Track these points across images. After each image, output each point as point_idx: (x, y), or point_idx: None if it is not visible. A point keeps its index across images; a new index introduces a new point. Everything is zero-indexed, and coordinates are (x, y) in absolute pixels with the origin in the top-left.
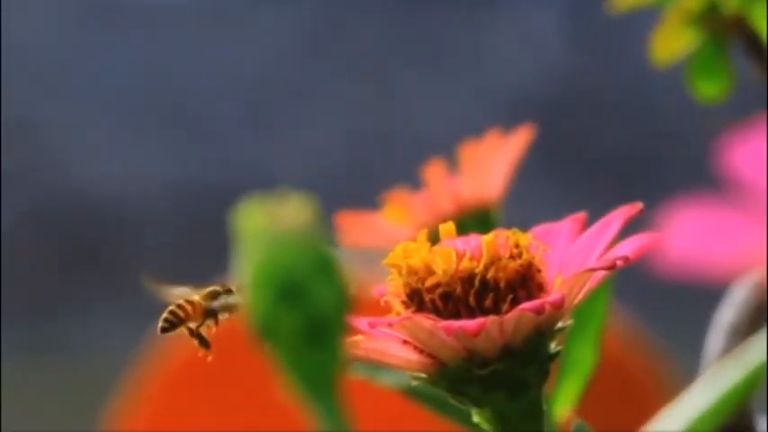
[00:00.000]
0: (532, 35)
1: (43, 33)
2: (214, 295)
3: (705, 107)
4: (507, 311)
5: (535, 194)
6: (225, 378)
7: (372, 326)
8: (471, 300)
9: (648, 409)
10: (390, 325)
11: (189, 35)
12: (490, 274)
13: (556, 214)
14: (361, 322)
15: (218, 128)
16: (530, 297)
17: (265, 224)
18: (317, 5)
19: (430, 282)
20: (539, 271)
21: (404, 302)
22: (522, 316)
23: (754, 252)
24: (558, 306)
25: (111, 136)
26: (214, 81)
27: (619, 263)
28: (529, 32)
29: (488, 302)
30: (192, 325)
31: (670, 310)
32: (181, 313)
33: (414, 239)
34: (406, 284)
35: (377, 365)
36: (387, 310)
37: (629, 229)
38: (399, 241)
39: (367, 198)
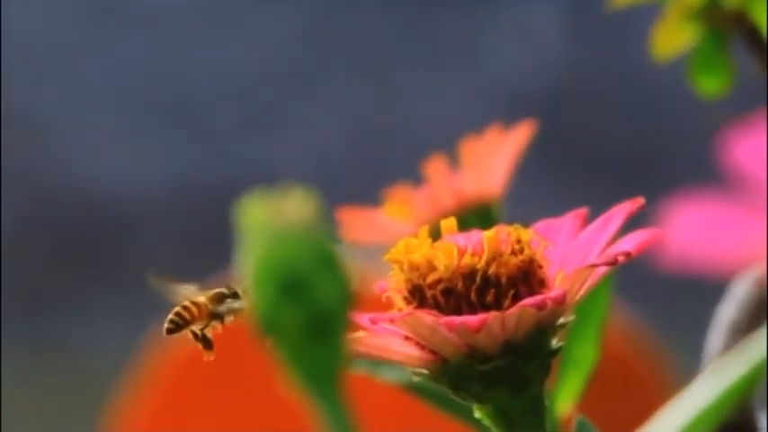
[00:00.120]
0: (532, 32)
1: (44, 32)
2: (220, 298)
3: (706, 103)
4: (509, 307)
5: (536, 190)
6: (225, 377)
7: (374, 322)
8: (473, 296)
9: (649, 405)
10: (392, 321)
11: (190, 34)
12: (492, 270)
13: (557, 210)
14: (362, 318)
15: (219, 126)
16: (531, 293)
17: (268, 219)
18: (316, 4)
19: (431, 278)
20: (540, 267)
21: (405, 298)
22: (524, 312)
23: (756, 247)
24: (560, 302)
25: (112, 135)
26: (215, 80)
27: (620, 259)
28: (529, 29)
29: (490, 298)
30: (197, 327)
31: (671, 306)
32: (186, 315)
33: (415, 235)
34: (408, 280)
35: (378, 361)
36: (388, 306)
37: (630, 225)
38: (401, 237)
39: (368, 194)
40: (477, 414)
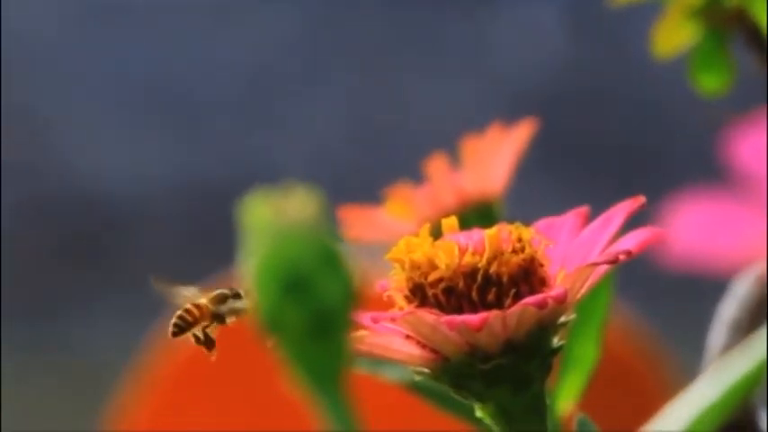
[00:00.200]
0: (533, 31)
1: (45, 31)
2: (222, 299)
3: (706, 101)
4: (510, 306)
5: (536, 189)
6: (226, 377)
7: (375, 321)
8: (474, 294)
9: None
10: (393, 320)
11: (190, 34)
12: (493, 269)
13: (557, 209)
14: (364, 317)
15: (219, 126)
16: (532, 292)
17: (271, 217)
18: (316, 4)
19: (433, 276)
20: (541, 265)
21: (407, 297)
22: (525, 311)
23: (757, 245)
24: (561, 301)
25: (112, 134)
26: (215, 79)
27: (621, 257)
28: (529, 29)
29: (491, 297)
30: (200, 329)
31: (672, 304)
32: (189, 318)
33: (416, 234)
34: (409, 279)
35: (380, 360)
36: (390, 304)
37: (631, 223)
38: (402, 236)
39: (369, 193)
40: (479, 413)
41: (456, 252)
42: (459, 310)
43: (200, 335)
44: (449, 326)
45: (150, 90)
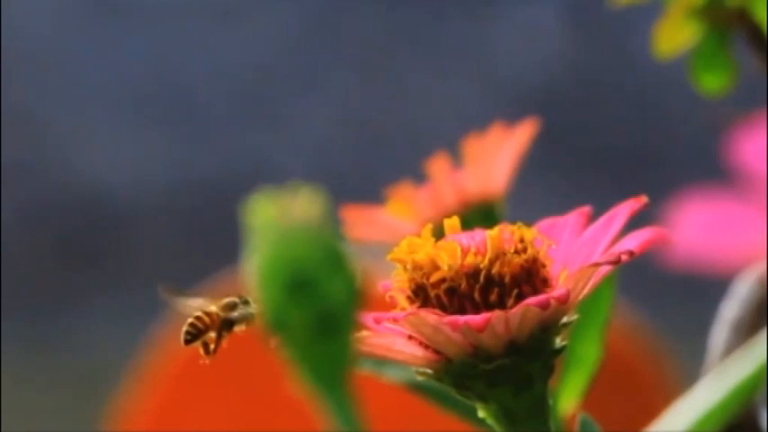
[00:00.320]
0: (533, 31)
1: (45, 30)
2: (231, 306)
3: (708, 101)
4: (512, 306)
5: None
6: (227, 377)
7: (377, 321)
8: (476, 295)
9: (652, 403)
10: (395, 320)
11: (190, 33)
12: (495, 269)
13: (559, 209)
14: (366, 318)
15: (220, 126)
16: (535, 292)
17: (275, 218)
18: (317, 3)
19: (435, 277)
20: (543, 266)
21: (409, 298)
22: (528, 311)
23: (760, 245)
24: (563, 301)
25: (113, 134)
26: (215, 79)
27: (624, 257)
28: (530, 28)
29: (493, 297)
30: (210, 337)
31: (674, 305)
32: (200, 325)
33: (418, 234)
34: (411, 280)
35: (382, 361)
36: (392, 305)
37: (633, 223)
38: (404, 236)
39: (371, 193)
40: (481, 413)
41: (458, 252)
42: (462, 311)
43: (211, 343)
44: (451, 326)
45: (150, 90)
